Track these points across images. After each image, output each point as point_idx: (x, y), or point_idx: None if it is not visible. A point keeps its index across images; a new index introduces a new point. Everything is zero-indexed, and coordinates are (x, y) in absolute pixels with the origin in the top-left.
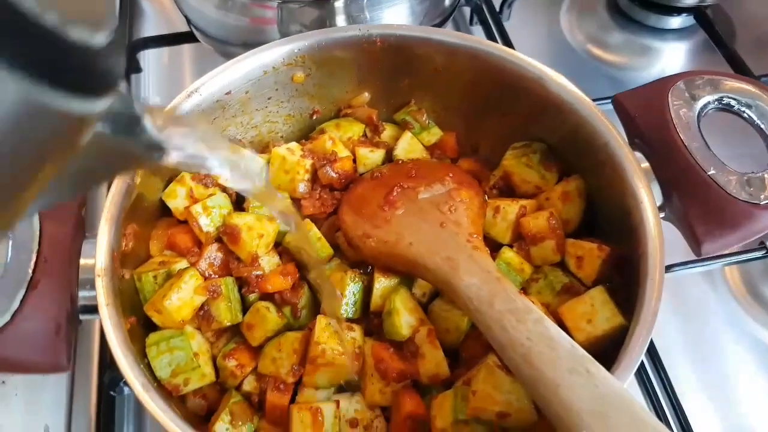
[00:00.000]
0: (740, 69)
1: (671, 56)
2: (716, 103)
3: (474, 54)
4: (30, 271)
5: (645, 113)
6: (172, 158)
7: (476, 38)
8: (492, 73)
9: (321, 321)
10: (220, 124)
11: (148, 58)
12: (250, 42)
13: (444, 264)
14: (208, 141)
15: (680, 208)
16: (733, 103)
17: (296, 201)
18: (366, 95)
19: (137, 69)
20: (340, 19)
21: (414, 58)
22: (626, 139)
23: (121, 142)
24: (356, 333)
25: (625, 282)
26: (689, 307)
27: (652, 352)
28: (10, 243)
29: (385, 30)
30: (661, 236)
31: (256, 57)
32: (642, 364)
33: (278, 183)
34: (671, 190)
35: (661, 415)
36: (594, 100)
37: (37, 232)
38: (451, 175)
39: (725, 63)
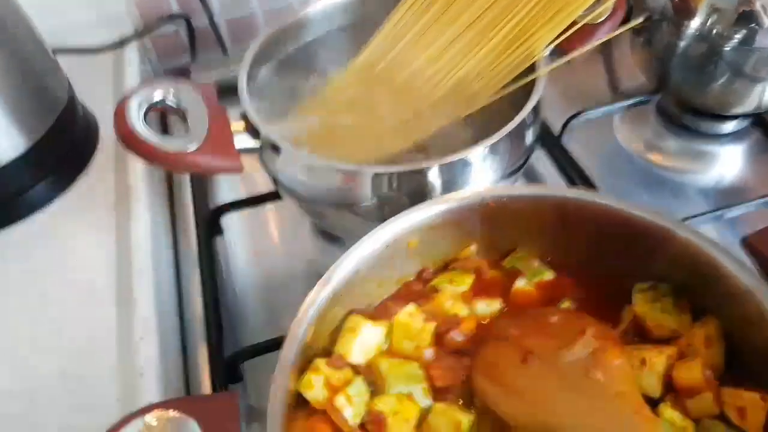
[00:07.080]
0: None
1: (728, 158)
2: None
3: (583, 206)
4: None
5: None
6: None
7: (581, 191)
8: (605, 223)
9: None
10: (345, 300)
11: (230, 219)
12: (341, 202)
13: None
14: None
15: None
16: None
17: (425, 369)
18: (473, 247)
19: (219, 232)
20: (436, 183)
21: (522, 212)
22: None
23: None
24: None
25: None
26: None
27: None
28: None
29: (497, 192)
30: None
31: (382, 232)
32: None
33: (402, 352)
34: None
35: None
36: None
37: None
38: (591, 330)
39: None
